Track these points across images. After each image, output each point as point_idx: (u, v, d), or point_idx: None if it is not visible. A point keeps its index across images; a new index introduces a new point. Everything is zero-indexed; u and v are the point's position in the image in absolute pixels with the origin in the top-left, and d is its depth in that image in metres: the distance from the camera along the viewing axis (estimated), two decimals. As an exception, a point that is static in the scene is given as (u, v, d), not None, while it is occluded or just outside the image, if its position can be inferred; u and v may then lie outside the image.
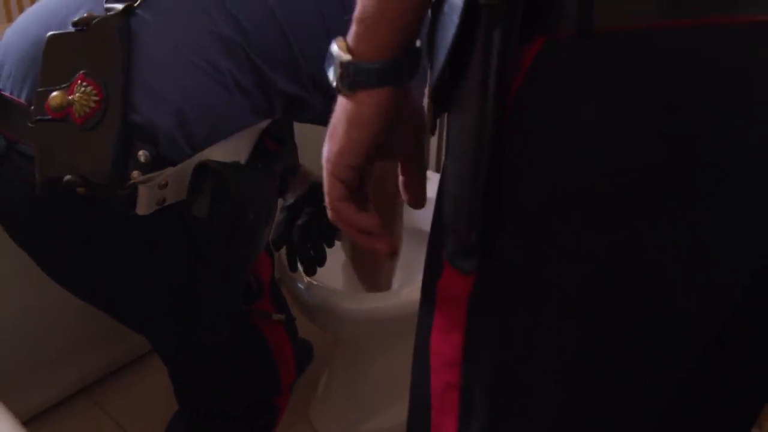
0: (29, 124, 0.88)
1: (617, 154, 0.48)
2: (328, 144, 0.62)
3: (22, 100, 0.91)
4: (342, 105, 0.60)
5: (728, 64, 0.45)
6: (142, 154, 0.87)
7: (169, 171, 0.88)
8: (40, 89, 0.87)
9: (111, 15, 0.87)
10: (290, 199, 1.20)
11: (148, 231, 0.92)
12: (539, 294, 0.54)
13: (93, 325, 1.53)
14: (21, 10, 1.69)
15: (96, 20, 0.87)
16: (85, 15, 0.87)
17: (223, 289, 0.97)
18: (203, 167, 0.89)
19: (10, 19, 1.68)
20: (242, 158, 0.96)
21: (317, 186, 1.18)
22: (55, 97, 0.86)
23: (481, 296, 0.57)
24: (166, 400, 1.27)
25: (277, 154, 1.07)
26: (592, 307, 0.52)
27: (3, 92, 0.93)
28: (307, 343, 1.71)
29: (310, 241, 1.20)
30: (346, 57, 0.57)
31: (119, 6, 0.88)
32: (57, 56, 0.88)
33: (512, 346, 0.57)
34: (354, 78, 0.58)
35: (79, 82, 0.86)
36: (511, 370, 0.57)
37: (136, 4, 0.89)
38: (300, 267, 1.23)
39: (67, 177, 0.86)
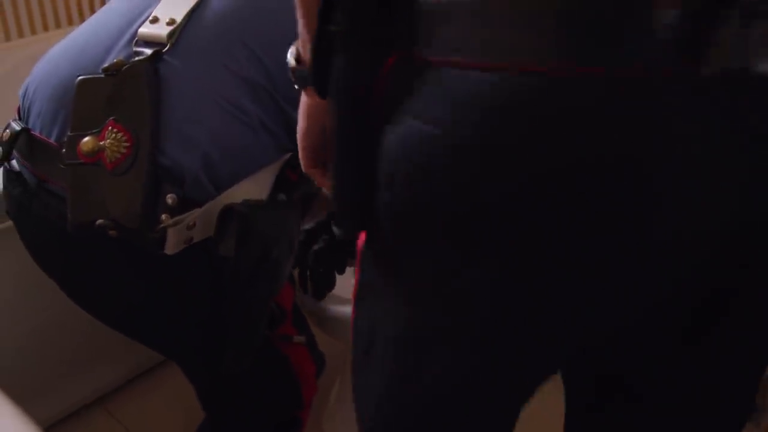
0: (60, 166, 0.90)
1: (448, 174, 0.53)
2: (298, 123, 0.74)
3: (52, 140, 0.93)
4: (302, 97, 0.72)
5: (516, 109, 0.50)
6: (170, 198, 0.89)
7: (197, 212, 0.91)
8: (71, 134, 0.90)
9: (140, 61, 0.89)
10: (309, 223, 1.23)
11: (176, 269, 0.95)
12: (393, 285, 0.64)
13: (107, 335, 1.54)
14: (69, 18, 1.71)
15: (126, 67, 0.89)
16: (115, 61, 0.89)
17: (246, 327, 1.00)
18: (229, 210, 0.92)
19: (58, 24, 1.70)
20: (265, 192, 0.99)
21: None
22: (87, 142, 0.88)
23: (360, 282, 0.69)
24: (180, 409, 1.29)
25: (296, 184, 1.09)
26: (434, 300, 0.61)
27: (32, 131, 0.95)
28: (319, 353, 1.74)
29: (322, 267, 1.23)
30: (293, 63, 0.68)
31: (148, 51, 0.90)
32: (87, 101, 0.90)
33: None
34: (297, 80, 0.69)
35: (110, 128, 0.88)
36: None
37: (164, 50, 0.91)
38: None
39: (99, 221, 0.88)
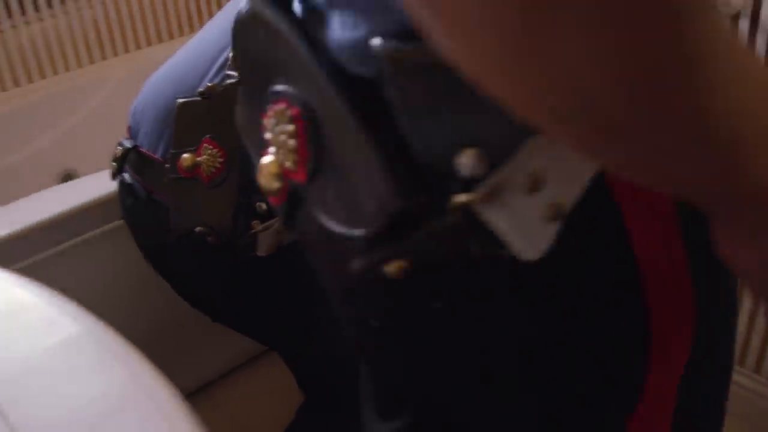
0: (164, 180, 1.02)
1: None
2: None
3: (158, 156, 1.05)
4: None
5: None
6: (259, 206, 1.00)
7: None
8: (173, 151, 1.01)
9: (230, 85, 1.00)
10: None
11: (268, 271, 1.06)
12: None
13: (211, 325, 1.62)
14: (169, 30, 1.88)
15: (218, 90, 1.00)
16: (209, 85, 1.00)
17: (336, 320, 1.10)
18: None
19: (160, 39, 1.89)
20: None
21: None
22: (186, 158, 1.00)
23: None
24: (283, 399, 1.36)
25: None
26: None
27: (141, 148, 1.08)
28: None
29: None
30: None
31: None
32: (186, 121, 1.01)
33: None
34: None
35: (205, 145, 0.99)
36: None
37: None
38: None
39: (198, 228, 0.99)
